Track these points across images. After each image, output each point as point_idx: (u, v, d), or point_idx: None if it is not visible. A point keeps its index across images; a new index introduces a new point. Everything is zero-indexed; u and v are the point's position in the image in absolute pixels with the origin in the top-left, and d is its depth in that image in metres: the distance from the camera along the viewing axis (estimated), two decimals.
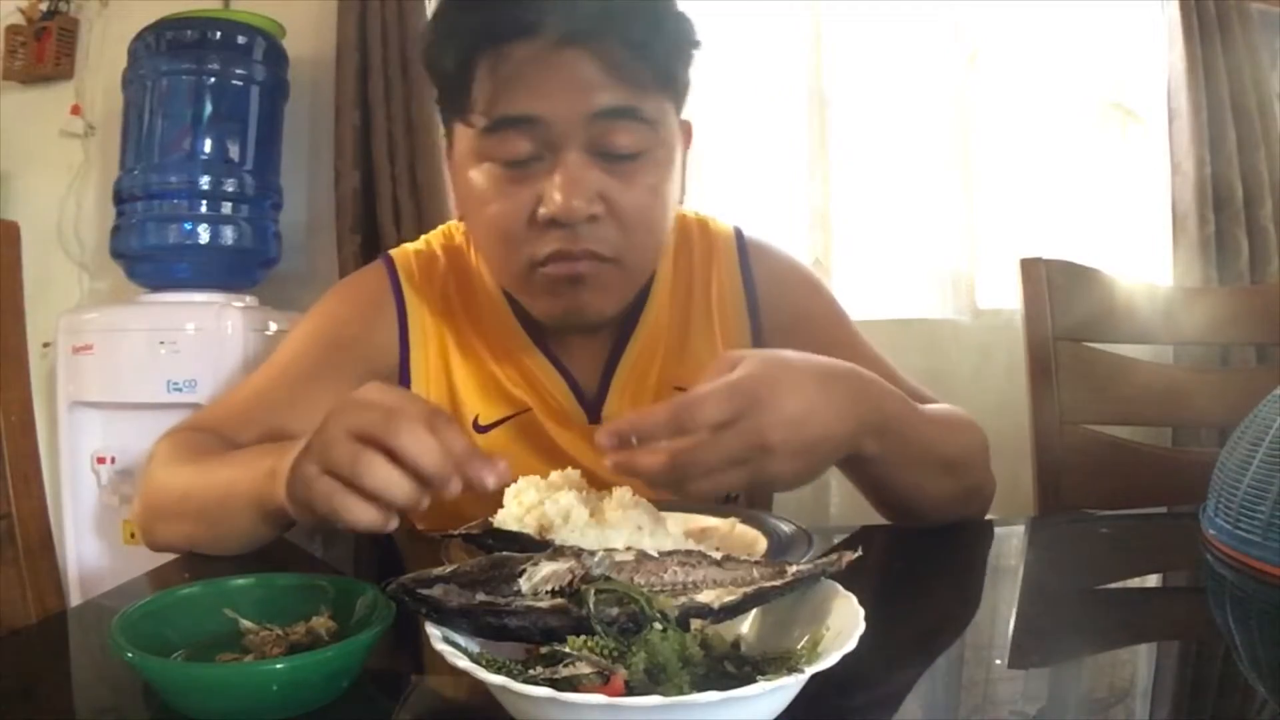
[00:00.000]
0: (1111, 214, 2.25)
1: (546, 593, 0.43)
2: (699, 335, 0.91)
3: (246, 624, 0.51)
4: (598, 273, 0.78)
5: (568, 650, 0.40)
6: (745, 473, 0.59)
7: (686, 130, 0.86)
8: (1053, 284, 1.22)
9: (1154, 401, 1.24)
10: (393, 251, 0.94)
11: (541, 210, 0.74)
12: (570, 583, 0.43)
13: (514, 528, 0.63)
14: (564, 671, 0.39)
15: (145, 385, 1.80)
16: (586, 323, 0.82)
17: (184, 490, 0.75)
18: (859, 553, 0.48)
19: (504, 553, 0.46)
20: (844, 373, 0.66)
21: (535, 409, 0.88)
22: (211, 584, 0.54)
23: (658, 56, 0.75)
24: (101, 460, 1.87)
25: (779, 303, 0.94)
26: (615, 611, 0.42)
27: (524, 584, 0.43)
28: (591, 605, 0.41)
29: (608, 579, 0.43)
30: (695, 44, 0.80)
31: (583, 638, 0.41)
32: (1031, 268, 1.23)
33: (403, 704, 0.50)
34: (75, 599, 1.51)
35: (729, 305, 0.93)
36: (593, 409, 0.89)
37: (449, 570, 0.43)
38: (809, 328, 0.92)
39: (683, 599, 0.43)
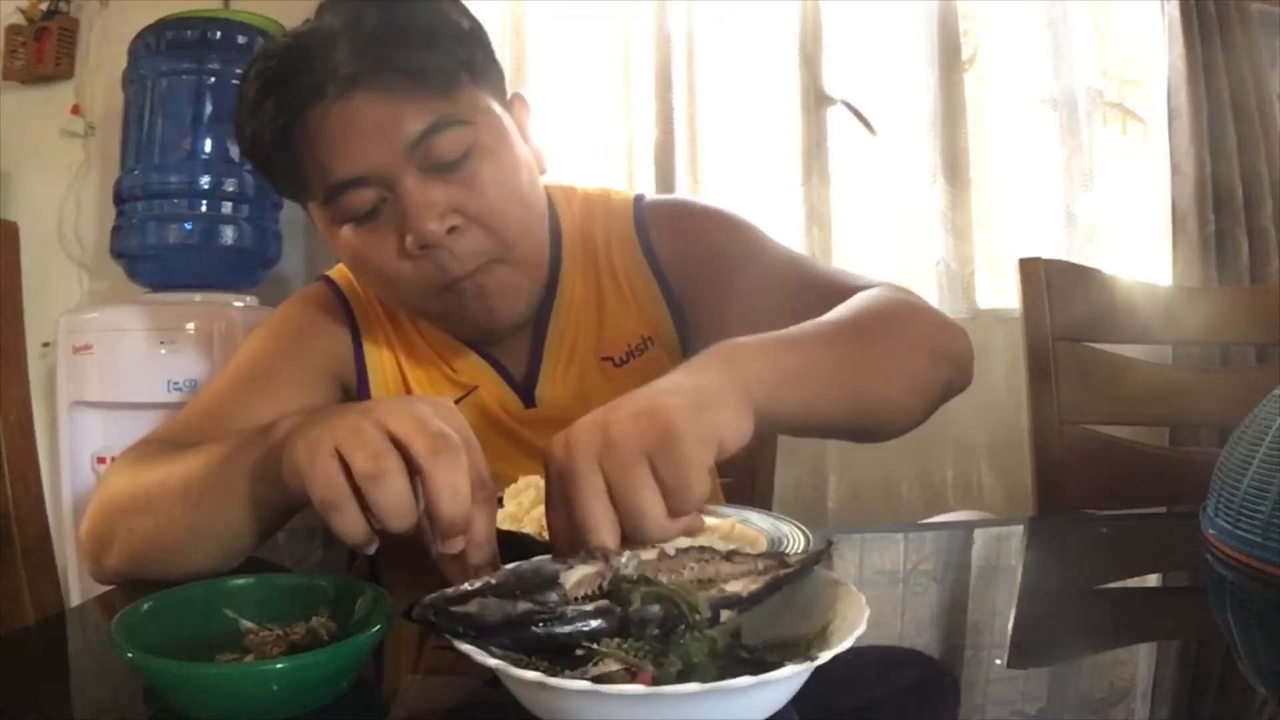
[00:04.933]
0: (1111, 214, 2.25)
1: (581, 597, 0.43)
2: (613, 303, 0.92)
3: (246, 624, 0.50)
4: (493, 282, 0.80)
5: (595, 649, 0.40)
6: (656, 458, 0.47)
7: (520, 103, 0.87)
8: (1052, 284, 1.22)
9: (1153, 401, 1.24)
10: (328, 272, 0.97)
11: (408, 241, 0.76)
12: (600, 586, 0.43)
13: (510, 526, 0.63)
14: (593, 671, 0.39)
15: (145, 385, 1.80)
16: (505, 327, 0.84)
17: (158, 481, 0.68)
18: (834, 541, 0.51)
19: (535, 559, 0.45)
20: (669, 384, 0.53)
21: (481, 390, 0.91)
22: (211, 584, 0.54)
23: (436, 64, 0.76)
24: (101, 460, 1.87)
25: (673, 244, 0.92)
26: (656, 609, 0.42)
27: (564, 589, 0.42)
28: (638, 604, 0.41)
29: (648, 580, 0.43)
30: (470, 28, 0.80)
31: (616, 640, 0.41)
32: (1030, 267, 1.23)
33: (402, 704, 0.50)
34: (75, 599, 1.51)
35: (631, 267, 0.92)
36: (526, 393, 0.91)
37: (478, 584, 0.42)
38: (711, 261, 0.90)
39: (713, 591, 0.44)
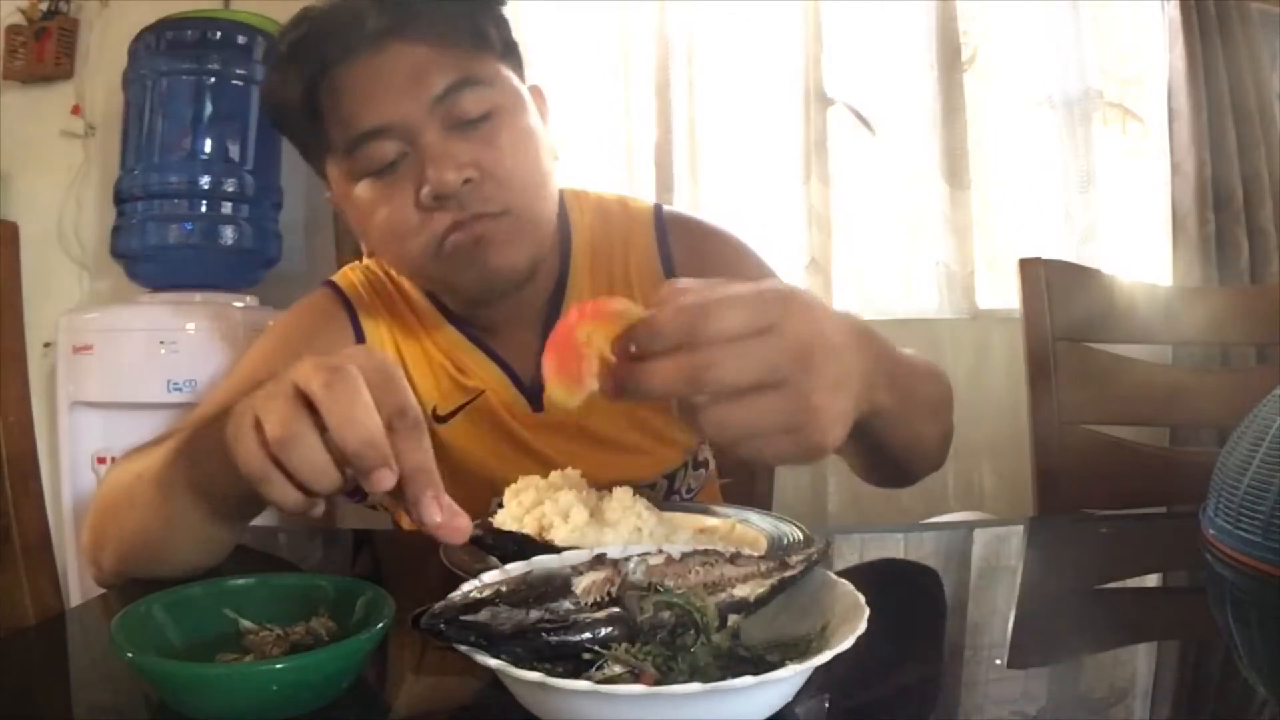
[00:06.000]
0: (1111, 214, 2.25)
1: (591, 604, 0.43)
2: None
3: (246, 624, 0.51)
4: (495, 229, 0.80)
5: (603, 653, 0.40)
6: (782, 401, 0.47)
7: (538, 94, 0.90)
8: (1051, 284, 1.22)
9: (1153, 401, 1.24)
10: (333, 277, 0.97)
11: (423, 191, 0.77)
12: (609, 592, 0.43)
13: (512, 527, 0.63)
14: (598, 675, 0.39)
15: (145, 385, 1.80)
16: (502, 282, 0.83)
17: (136, 475, 0.67)
18: (832, 541, 0.52)
19: (543, 565, 0.45)
20: (849, 315, 0.57)
21: (488, 394, 0.91)
22: (211, 584, 0.54)
23: (467, 25, 0.80)
24: (101, 460, 1.87)
25: (694, 269, 0.93)
26: (667, 615, 0.42)
27: (576, 596, 0.42)
28: (652, 613, 0.42)
29: (659, 588, 0.43)
30: (496, 5, 0.85)
31: (624, 645, 0.41)
32: (1030, 268, 1.23)
33: (402, 704, 0.50)
34: (75, 599, 1.51)
35: (647, 277, 0.93)
36: (534, 396, 0.90)
37: (488, 591, 0.42)
38: None
39: (721, 595, 0.44)
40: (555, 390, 0.48)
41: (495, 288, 0.84)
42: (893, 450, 0.72)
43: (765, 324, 0.47)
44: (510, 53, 0.86)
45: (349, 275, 0.96)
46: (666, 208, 0.99)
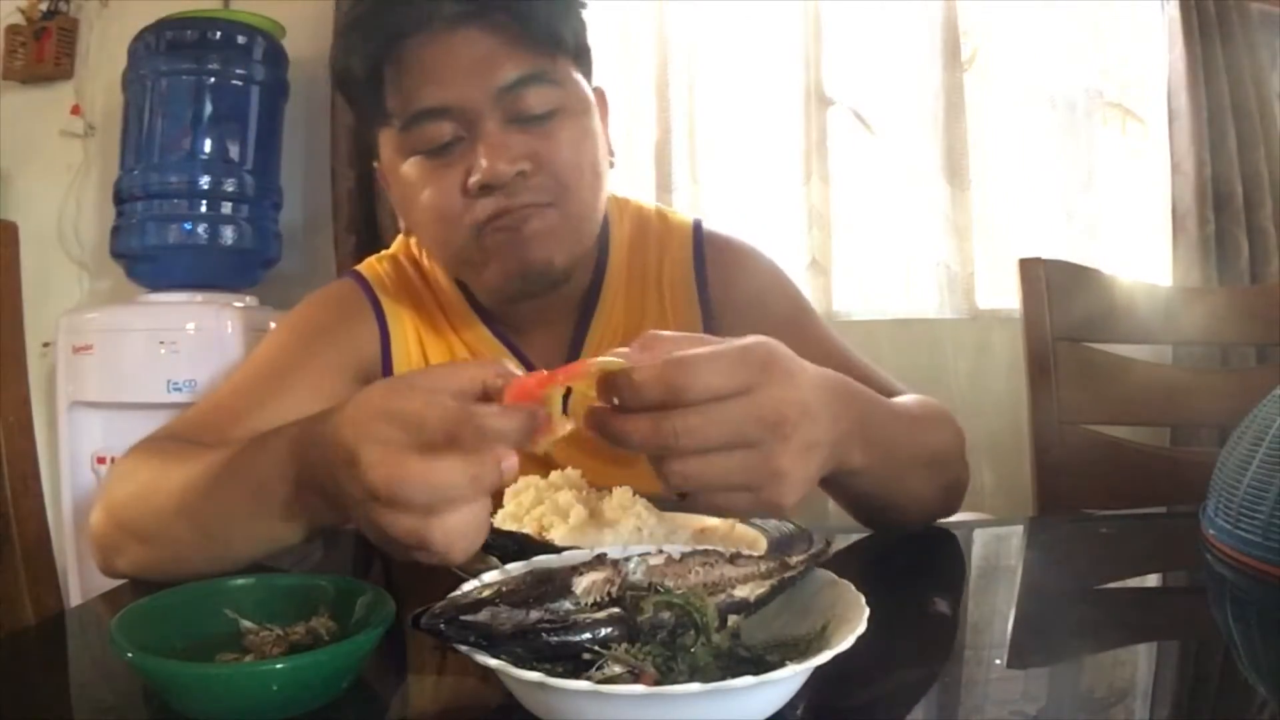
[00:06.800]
0: (1111, 214, 2.25)
1: (591, 604, 0.43)
2: (653, 323, 0.92)
3: (246, 624, 0.50)
4: (540, 220, 0.79)
5: (603, 653, 0.40)
6: (746, 462, 0.49)
7: (600, 96, 0.89)
8: (1051, 284, 1.22)
9: (1153, 401, 1.24)
10: (358, 267, 0.96)
11: (472, 179, 0.76)
12: (609, 592, 0.43)
13: (512, 527, 0.63)
14: (598, 675, 0.39)
15: (145, 385, 1.80)
16: (540, 278, 0.81)
17: (173, 510, 0.64)
18: (832, 541, 0.52)
19: (543, 565, 0.46)
20: (834, 376, 0.59)
21: None
22: (211, 584, 0.54)
23: (546, 22, 0.79)
24: (101, 460, 1.87)
25: (730, 289, 0.94)
26: (667, 615, 0.42)
27: (576, 596, 0.42)
28: (652, 613, 0.42)
29: (659, 589, 0.43)
30: (581, 4, 0.84)
31: (624, 645, 0.41)
32: (1030, 268, 1.23)
33: (403, 704, 0.50)
34: (75, 599, 1.51)
35: (680, 294, 0.93)
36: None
37: (488, 591, 0.42)
38: (763, 313, 0.91)
39: (721, 595, 0.44)
40: None
41: (529, 282, 0.82)
42: (878, 502, 0.73)
43: (743, 386, 0.48)
44: (583, 56, 0.85)
45: (374, 266, 0.95)
46: (707, 226, 0.98)
